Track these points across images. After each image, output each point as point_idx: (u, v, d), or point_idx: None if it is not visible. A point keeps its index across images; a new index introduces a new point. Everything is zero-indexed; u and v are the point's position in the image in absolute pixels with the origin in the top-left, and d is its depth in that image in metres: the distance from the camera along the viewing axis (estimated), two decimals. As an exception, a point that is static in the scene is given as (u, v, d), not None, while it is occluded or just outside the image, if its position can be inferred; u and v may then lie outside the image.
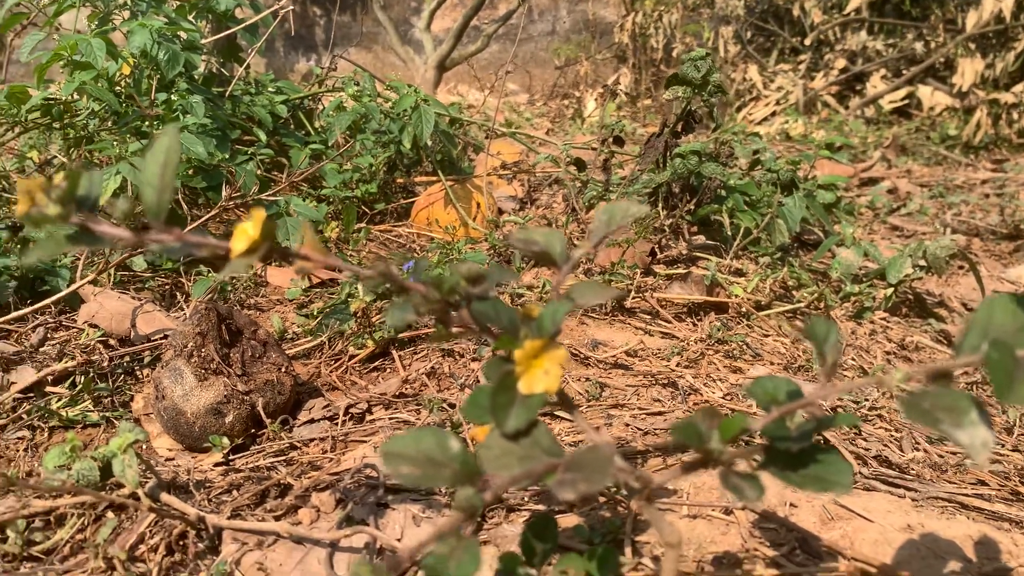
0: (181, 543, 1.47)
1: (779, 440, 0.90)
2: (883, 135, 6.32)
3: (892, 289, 2.87)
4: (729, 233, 2.94)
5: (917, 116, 7.05)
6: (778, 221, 3.05)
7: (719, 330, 2.22)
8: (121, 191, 2.58)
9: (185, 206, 2.67)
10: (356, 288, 2.41)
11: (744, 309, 2.46)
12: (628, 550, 1.29)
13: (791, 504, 1.41)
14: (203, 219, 2.34)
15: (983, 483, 1.66)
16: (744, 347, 2.22)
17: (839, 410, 1.92)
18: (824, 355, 0.88)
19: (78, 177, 0.93)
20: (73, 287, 2.27)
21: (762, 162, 3.32)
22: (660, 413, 1.84)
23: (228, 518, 1.48)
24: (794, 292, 2.73)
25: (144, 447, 1.89)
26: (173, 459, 1.85)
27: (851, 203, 4.10)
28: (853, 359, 2.43)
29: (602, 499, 1.45)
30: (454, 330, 1.00)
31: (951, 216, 4.06)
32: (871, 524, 1.37)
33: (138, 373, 2.15)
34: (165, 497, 1.51)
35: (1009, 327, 0.81)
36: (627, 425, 1.77)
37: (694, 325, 2.37)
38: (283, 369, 2.02)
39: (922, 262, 2.97)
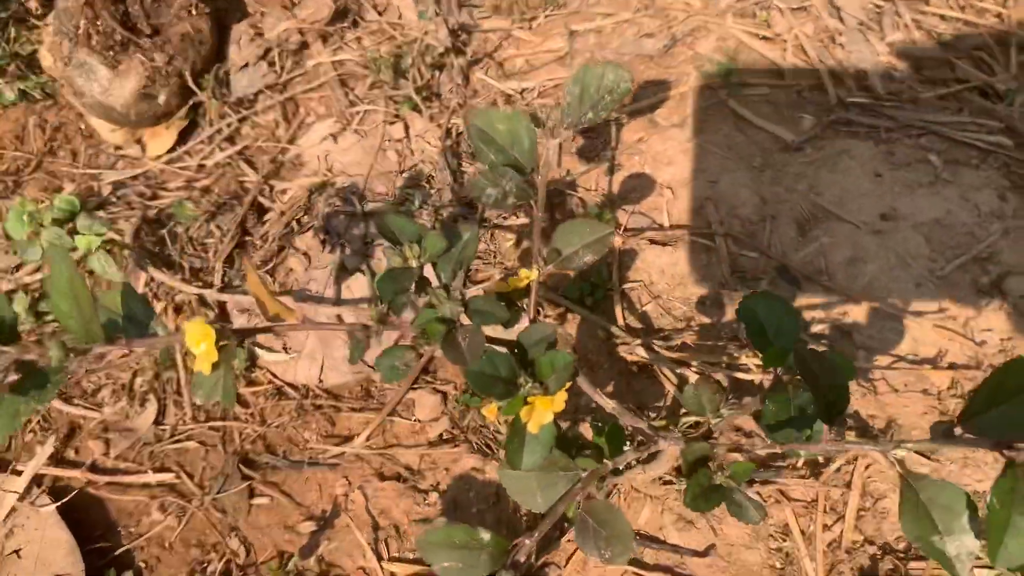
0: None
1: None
2: None
3: None
4: None
5: None
6: None
7: None
8: None
9: None
10: None
11: None
12: (617, 306, 1.38)
13: (772, 217, 1.42)
14: None
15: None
16: None
17: None
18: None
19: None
20: None
21: None
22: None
23: (220, 290, 1.50)
24: None
25: (90, 137, 1.76)
26: (121, 148, 1.75)
27: None
28: None
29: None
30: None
31: None
32: (844, 229, 1.40)
33: (31, 21, 1.84)
34: (156, 275, 1.51)
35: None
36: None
37: None
38: (193, 10, 1.74)
39: None
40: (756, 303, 1.00)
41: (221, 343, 0.84)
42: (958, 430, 0.83)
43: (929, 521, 0.82)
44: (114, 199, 1.64)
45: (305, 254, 1.53)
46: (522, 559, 0.92)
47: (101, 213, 1.59)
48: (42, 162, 1.74)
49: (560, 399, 0.92)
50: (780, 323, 0.99)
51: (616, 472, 1.04)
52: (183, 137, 1.73)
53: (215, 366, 0.84)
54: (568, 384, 0.89)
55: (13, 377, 0.80)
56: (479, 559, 0.91)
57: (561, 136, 0.97)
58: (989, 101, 1.57)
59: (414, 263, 0.95)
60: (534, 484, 0.97)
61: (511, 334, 0.97)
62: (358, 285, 1.49)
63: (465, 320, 0.93)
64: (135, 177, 1.68)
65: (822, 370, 0.83)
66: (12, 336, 0.81)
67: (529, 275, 0.98)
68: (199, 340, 0.84)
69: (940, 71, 1.61)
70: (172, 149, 1.72)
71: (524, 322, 0.99)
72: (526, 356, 0.93)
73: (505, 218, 1.50)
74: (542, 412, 0.91)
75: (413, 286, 0.94)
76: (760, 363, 1.27)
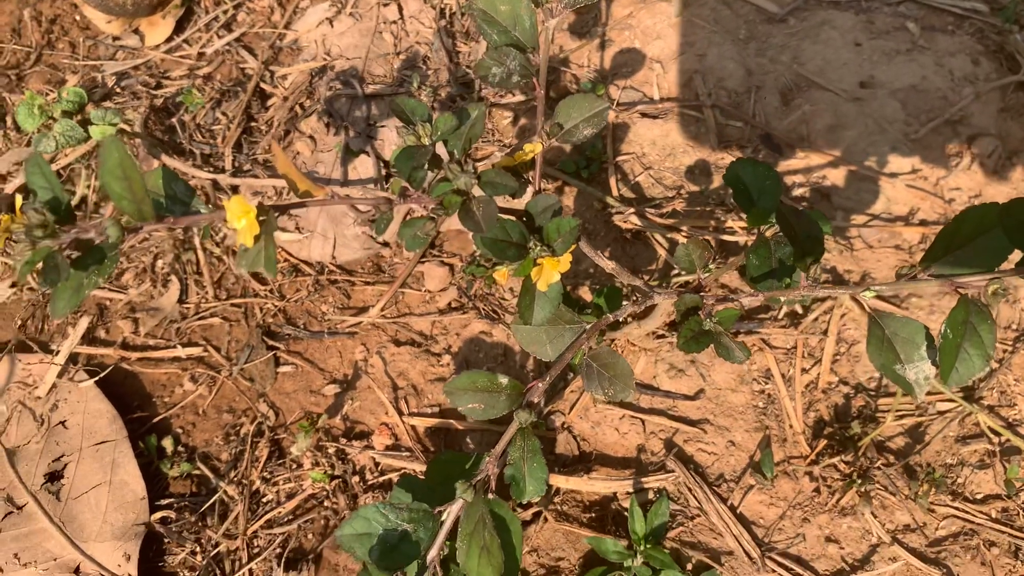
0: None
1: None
2: None
3: None
4: None
5: None
6: None
7: None
8: None
9: None
10: None
11: None
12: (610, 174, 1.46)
13: (757, 88, 1.49)
14: None
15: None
16: None
17: None
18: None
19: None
20: None
21: None
22: None
23: (232, 174, 1.57)
24: None
25: (87, 29, 1.79)
26: (119, 39, 1.78)
27: None
28: None
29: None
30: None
31: None
32: (826, 97, 1.48)
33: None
34: (169, 161, 1.58)
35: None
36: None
37: None
38: None
39: None
40: (742, 168, 1.09)
41: (261, 217, 0.92)
42: (920, 274, 0.94)
43: (892, 352, 0.93)
44: (119, 90, 1.69)
45: (311, 137, 1.59)
46: (535, 399, 1.04)
47: (108, 104, 1.65)
48: (42, 55, 1.77)
49: (566, 260, 1.01)
50: (763, 186, 1.08)
51: (615, 326, 1.15)
52: (180, 26, 1.76)
53: (256, 238, 0.93)
54: (573, 246, 0.98)
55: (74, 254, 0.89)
56: (498, 400, 1.02)
57: (559, 15, 1.03)
58: (966, -34, 1.62)
59: (426, 141, 1.03)
60: (544, 337, 1.08)
61: (518, 204, 1.06)
62: (363, 166, 1.56)
63: (477, 192, 1.01)
64: (137, 67, 1.72)
65: (800, 224, 0.93)
66: (69, 217, 0.89)
67: (534, 148, 1.06)
68: (240, 216, 0.92)
69: (921, -64, 1.65)
70: (170, 38, 1.76)
71: (529, 193, 1.08)
72: (534, 223, 1.02)
73: (502, 96, 1.57)
74: (550, 272, 1.01)
75: (427, 162, 1.02)
76: (744, 225, 1.37)
